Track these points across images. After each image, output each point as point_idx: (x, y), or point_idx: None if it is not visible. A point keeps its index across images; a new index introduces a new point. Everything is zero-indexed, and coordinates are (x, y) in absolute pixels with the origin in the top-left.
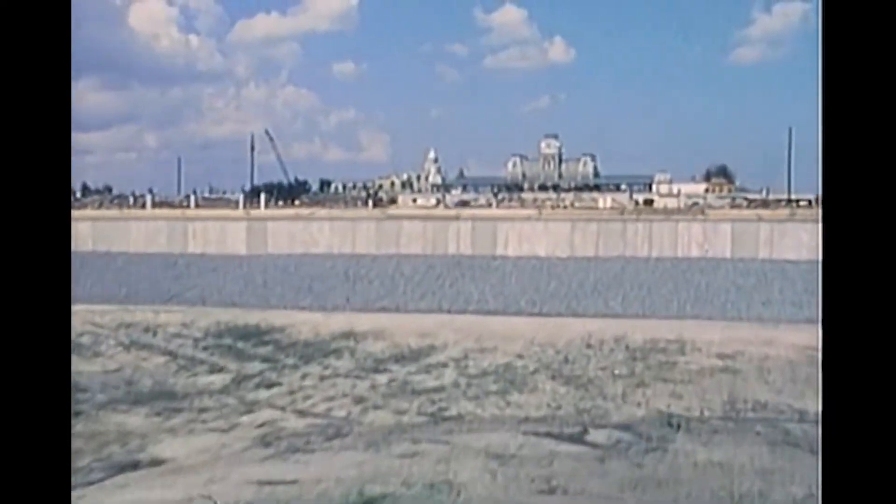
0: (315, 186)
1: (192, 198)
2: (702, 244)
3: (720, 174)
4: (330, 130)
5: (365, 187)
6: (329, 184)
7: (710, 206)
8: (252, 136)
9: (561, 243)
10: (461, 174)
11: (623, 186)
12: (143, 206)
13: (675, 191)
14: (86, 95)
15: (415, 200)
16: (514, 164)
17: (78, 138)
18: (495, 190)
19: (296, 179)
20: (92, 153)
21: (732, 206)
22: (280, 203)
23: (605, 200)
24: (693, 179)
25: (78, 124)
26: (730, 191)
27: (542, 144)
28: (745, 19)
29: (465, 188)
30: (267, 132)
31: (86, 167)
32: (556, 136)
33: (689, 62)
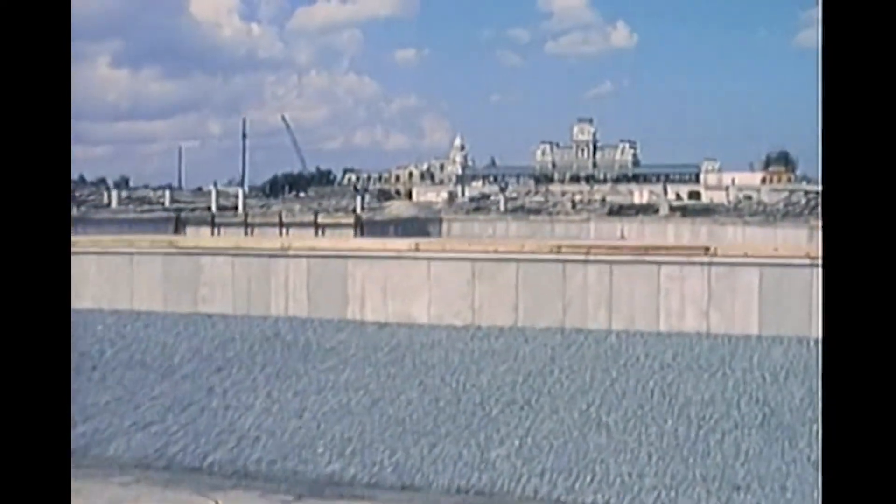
0: (340, 176)
1: (168, 194)
2: (703, 309)
3: (780, 161)
4: (392, 117)
5: (380, 178)
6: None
7: (762, 203)
8: (244, 123)
9: (455, 300)
10: (492, 163)
11: (671, 177)
12: (109, 203)
13: (726, 181)
14: (149, 84)
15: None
16: (544, 153)
17: (141, 127)
18: (503, 184)
19: (318, 169)
20: (156, 141)
21: (787, 205)
22: (298, 194)
23: (640, 194)
24: (751, 167)
25: (141, 113)
26: (789, 180)
27: (575, 130)
28: (810, 0)
29: (495, 179)
30: (283, 118)
31: (150, 155)
32: (590, 121)
33: (753, 46)
